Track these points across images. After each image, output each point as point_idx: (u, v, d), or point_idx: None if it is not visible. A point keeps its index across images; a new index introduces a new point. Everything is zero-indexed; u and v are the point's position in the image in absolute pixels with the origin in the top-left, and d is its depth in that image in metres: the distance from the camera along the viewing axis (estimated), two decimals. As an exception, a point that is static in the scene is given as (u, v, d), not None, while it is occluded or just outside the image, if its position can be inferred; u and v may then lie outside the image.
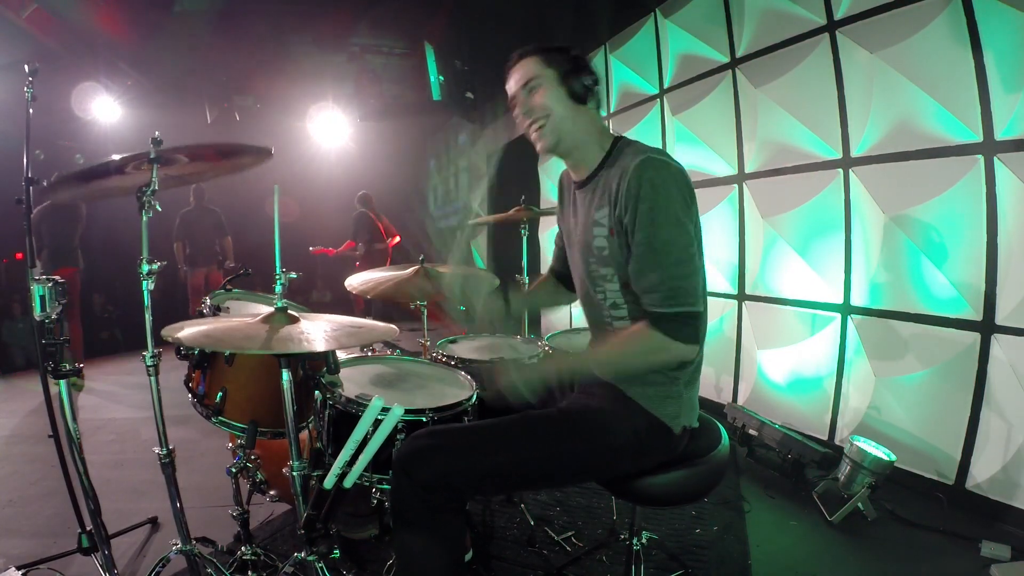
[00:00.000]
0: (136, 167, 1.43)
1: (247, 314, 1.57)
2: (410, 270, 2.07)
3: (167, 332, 1.23)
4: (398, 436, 1.25)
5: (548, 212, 3.82)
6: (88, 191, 1.65)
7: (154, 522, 2.15)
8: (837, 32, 2.72)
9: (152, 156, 1.40)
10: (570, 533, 2.10)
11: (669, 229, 1.14)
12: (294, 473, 1.34)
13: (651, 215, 1.14)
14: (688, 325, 1.15)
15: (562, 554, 1.99)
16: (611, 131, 1.35)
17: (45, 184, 1.64)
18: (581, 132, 1.29)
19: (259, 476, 1.71)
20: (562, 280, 1.61)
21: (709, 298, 1.30)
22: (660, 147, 4.05)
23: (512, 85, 1.31)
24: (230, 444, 1.77)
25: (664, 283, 1.14)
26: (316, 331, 1.30)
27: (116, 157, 1.37)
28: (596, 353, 1.26)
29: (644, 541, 1.55)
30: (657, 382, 1.24)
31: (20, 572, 1.78)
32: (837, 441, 2.84)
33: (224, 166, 1.67)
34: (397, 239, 6.10)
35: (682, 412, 1.25)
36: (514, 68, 1.31)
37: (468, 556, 1.84)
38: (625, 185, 1.16)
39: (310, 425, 1.58)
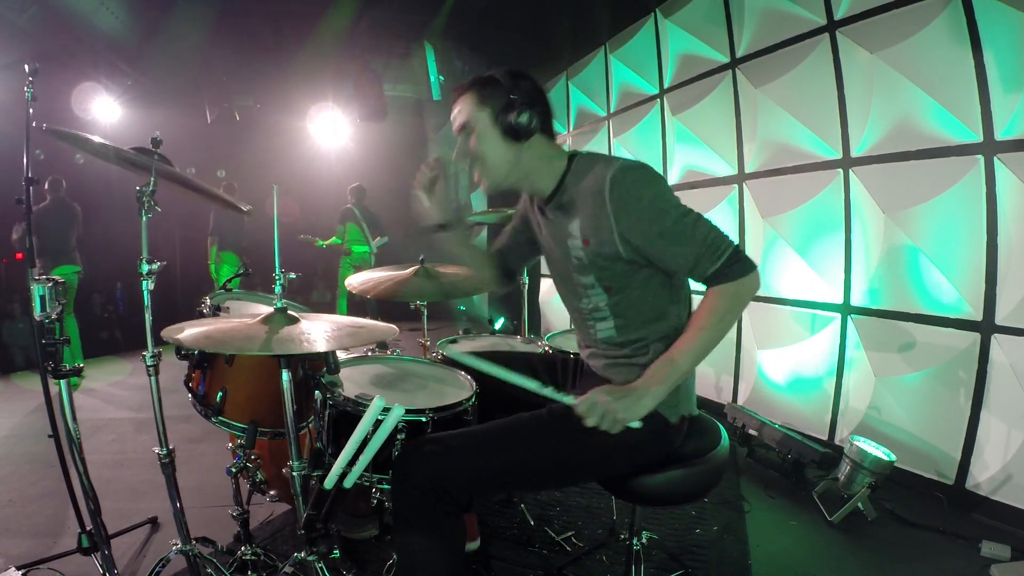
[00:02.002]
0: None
1: (247, 314, 1.57)
2: (410, 270, 2.07)
3: (167, 333, 1.23)
4: (398, 436, 1.25)
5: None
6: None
7: (154, 522, 2.15)
8: (837, 32, 2.72)
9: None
10: (570, 533, 2.10)
11: (673, 208, 1.16)
12: (294, 473, 1.34)
13: (651, 205, 1.15)
14: (739, 261, 1.16)
15: (562, 554, 1.99)
16: (564, 148, 1.33)
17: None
18: (522, 168, 1.27)
19: (259, 476, 1.71)
20: (500, 265, 1.59)
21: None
22: (659, 147, 4.07)
23: (454, 125, 1.30)
24: (230, 444, 1.77)
25: (698, 249, 1.15)
26: (316, 332, 1.30)
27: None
28: (686, 344, 1.17)
29: (644, 541, 1.55)
30: None
31: (20, 572, 1.78)
32: (837, 441, 2.84)
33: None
34: (380, 239, 6.03)
35: (680, 400, 1.25)
36: (453, 104, 1.29)
37: (476, 546, 1.84)
38: (610, 196, 1.16)
39: (310, 425, 1.58)
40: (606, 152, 4.45)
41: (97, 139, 1.46)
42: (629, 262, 1.21)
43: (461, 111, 1.27)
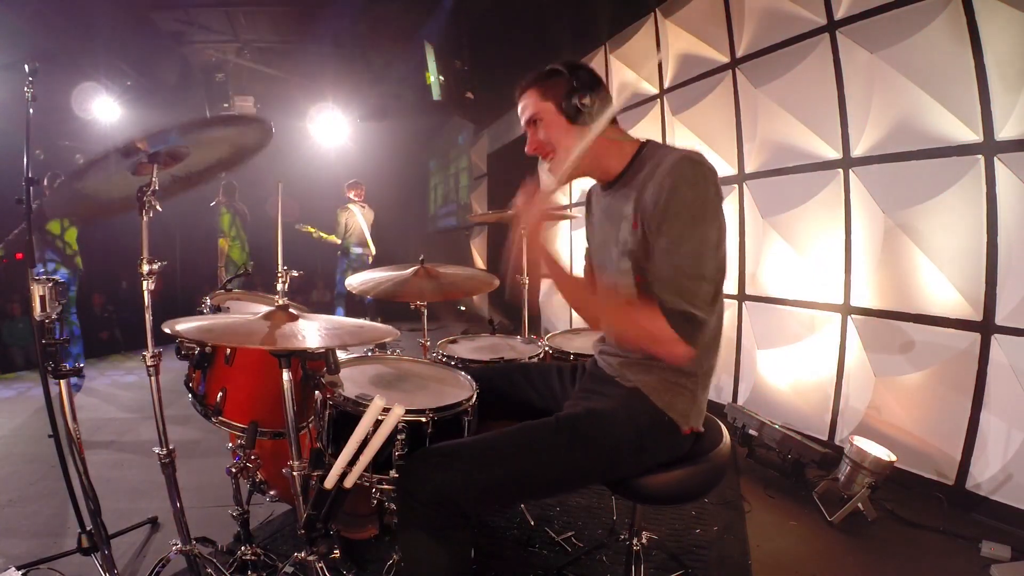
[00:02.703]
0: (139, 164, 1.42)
1: (247, 313, 1.56)
2: (410, 270, 2.07)
3: (169, 325, 1.23)
4: (398, 436, 1.25)
5: (549, 212, 3.81)
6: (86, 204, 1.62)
7: (154, 522, 2.15)
8: (837, 32, 2.72)
9: (146, 147, 1.38)
10: (570, 533, 2.10)
11: (693, 227, 1.15)
12: (294, 473, 1.34)
13: (679, 209, 1.15)
14: (691, 325, 1.15)
15: (562, 554, 1.99)
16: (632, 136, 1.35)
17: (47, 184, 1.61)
18: (592, 151, 1.29)
19: (259, 476, 1.71)
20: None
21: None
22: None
23: (521, 121, 1.35)
24: (230, 444, 1.77)
25: (675, 279, 1.14)
26: (317, 330, 1.30)
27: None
28: (607, 297, 1.25)
29: (644, 541, 1.55)
30: (671, 379, 1.24)
31: (20, 572, 1.78)
32: (837, 441, 2.84)
33: (223, 148, 1.64)
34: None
35: (691, 412, 1.25)
36: (518, 102, 1.35)
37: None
38: (659, 180, 1.17)
39: (310, 425, 1.58)
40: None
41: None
42: None
43: (527, 106, 1.32)
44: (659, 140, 3.88)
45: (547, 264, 1.33)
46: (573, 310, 1.37)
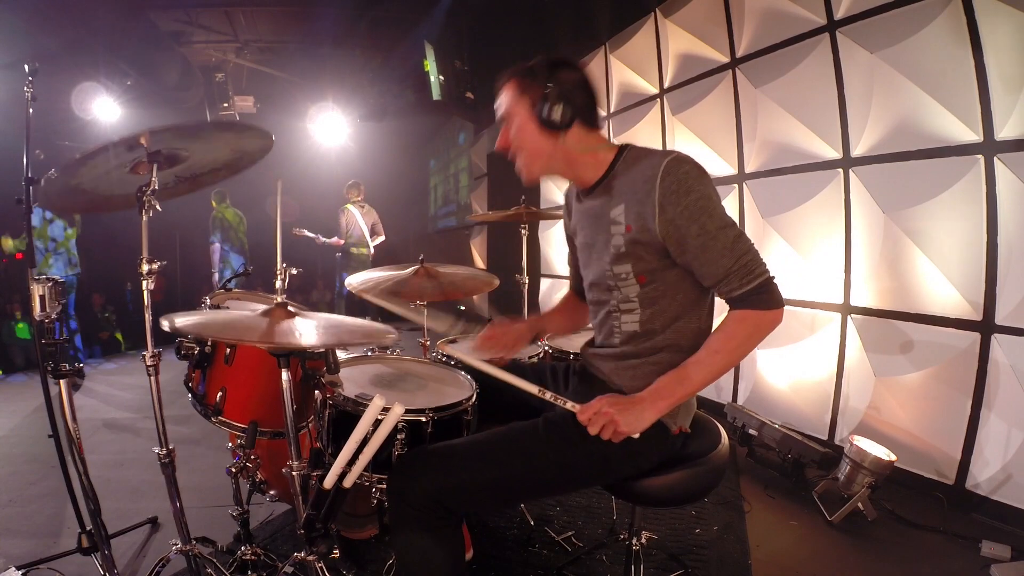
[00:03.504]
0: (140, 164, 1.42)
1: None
2: (410, 270, 2.07)
3: (167, 319, 1.22)
4: (398, 436, 1.25)
5: (549, 211, 3.82)
6: (86, 198, 1.62)
7: (154, 522, 2.15)
8: (837, 32, 2.72)
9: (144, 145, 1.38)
10: (570, 533, 2.10)
11: (719, 215, 1.15)
12: (294, 473, 1.34)
13: (699, 204, 1.14)
14: (769, 292, 1.14)
15: (562, 554, 1.99)
16: (611, 140, 1.34)
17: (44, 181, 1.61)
18: (561, 161, 1.27)
19: (259, 476, 1.71)
20: (582, 297, 1.59)
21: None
22: (659, 147, 4.07)
23: (497, 113, 1.31)
24: (230, 444, 1.77)
25: (736, 264, 1.13)
26: (315, 328, 1.29)
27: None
28: (699, 365, 1.17)
29: (644, 541, 1.55)
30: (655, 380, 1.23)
31: (20, 572, 1.78)
32: (837, 441, 2.84)
33: (224, 153, 1.64)
34: (381, 238, 6.07)
35: (679, 412, 1.24)
36: (498, 92, 1.30)
37: (468, 557, 1.83)
38: (660, 183, 1.15)
39: (310, 425, 1.58)
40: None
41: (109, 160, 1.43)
42: (666, 255, 1.19)
43: (502, 101, 1.27)
44: (659, 140, 3.90)
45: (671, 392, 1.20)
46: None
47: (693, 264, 1.18)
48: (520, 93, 1.24)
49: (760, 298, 1.14)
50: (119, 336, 6.37)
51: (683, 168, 1.15)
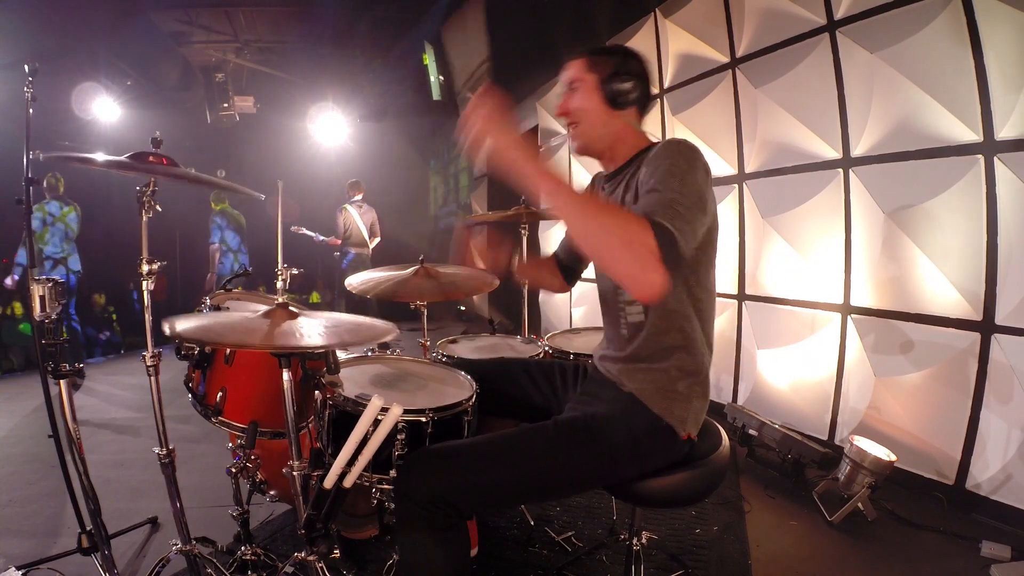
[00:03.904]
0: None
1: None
2: (409, 270, 2.07)
3: (168, 323, 1.22)
4: (398, 436, 1.25)
5: (549, 212, 3.81)
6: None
7: (154, 522, 2.15)
8: (837, 32, 2.72)
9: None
10: (570, 533, 2.10)
11: (688, 184, 1.10)
12: (294, 473, 1.34)
13: (673, 167, 1.12)
14: (670, 248, 1.01)
15: (562, 554, 1.99)
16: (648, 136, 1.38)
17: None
18: (611, 136, 1.34)
19: (259, 476, 1.71)
20: (561, 267, 1.66)
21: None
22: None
23: (561, 80, 1.37)
24: (230, 444, 1.77)
25: (665, 199, 1.06)
26: (317, 328, 1.29)
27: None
28: (563, 189, 1.05)
29: (644, 541, 1.55)
30: (667, 385, 1.25)
31: (20, 572, 1.78)
32: (837, 441, 2.84)
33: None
34: (377, 239, 6.08)
35: (688, 418, 1.25)
36: (565, 67, 1.37)
37: (473, 553, 1.84)
38: (653, 155, 1.19)
39: (310, 425, 1.57)
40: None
41: (100, 157, 1.43)
42: None
43: (570, 71, 1.34)
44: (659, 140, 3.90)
45: (513, 146, 1.08)
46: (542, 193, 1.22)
47: (650, 193, 1.11)
48: (591, 67, 1.31)
49: (660, 241, 1.00)
50: (119, 332, 6.38)
51: (677, 144, 1.19)
